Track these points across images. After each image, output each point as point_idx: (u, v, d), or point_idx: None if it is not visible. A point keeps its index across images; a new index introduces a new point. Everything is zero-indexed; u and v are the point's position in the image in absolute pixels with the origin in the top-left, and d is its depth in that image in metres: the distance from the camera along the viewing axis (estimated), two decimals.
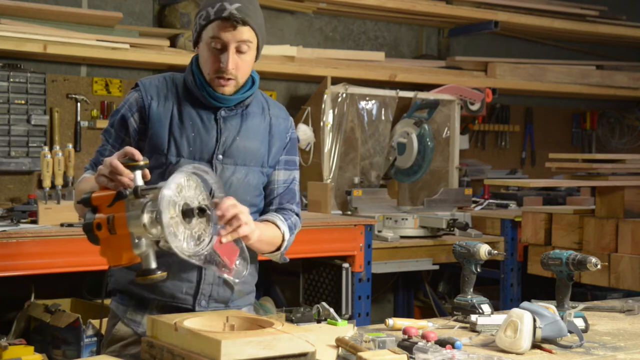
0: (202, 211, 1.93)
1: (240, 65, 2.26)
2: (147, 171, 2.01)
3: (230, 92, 2.30)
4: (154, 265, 1.94)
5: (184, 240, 1.92)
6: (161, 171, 2.28)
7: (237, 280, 2.23)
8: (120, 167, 1.97)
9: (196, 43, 2.31)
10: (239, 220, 2.08)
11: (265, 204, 2.46)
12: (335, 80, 5.26)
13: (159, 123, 2.29)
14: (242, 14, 2.21)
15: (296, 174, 2.50)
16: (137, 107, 2.31)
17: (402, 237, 4.90)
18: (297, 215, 2.49)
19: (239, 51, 2.24)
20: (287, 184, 2.47)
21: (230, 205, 2.08)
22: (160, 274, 1.95)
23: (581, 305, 2.65)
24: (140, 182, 1.96)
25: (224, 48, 2.23)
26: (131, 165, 1.96)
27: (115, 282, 2.39)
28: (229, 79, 2.26)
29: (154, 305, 2.32)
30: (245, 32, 2.23)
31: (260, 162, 2.38)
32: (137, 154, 1.99)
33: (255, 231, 2.15)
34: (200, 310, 2.31)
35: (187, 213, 1.92)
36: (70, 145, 4.17)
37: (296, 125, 5.15)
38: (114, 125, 2.33)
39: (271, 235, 2.36)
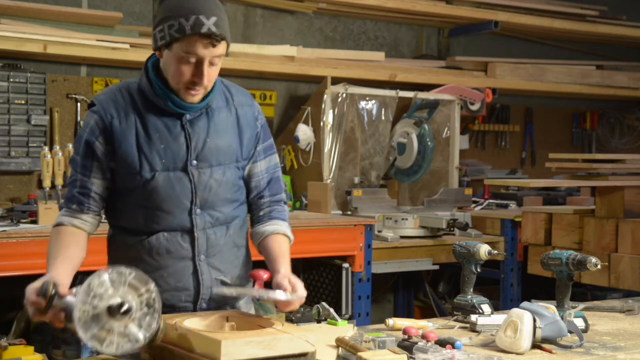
0: (126, 312, 1.83)
1: (212, 76, 2.22)
2: (60, 290, 1.92)
3: (198, 100, 2.26)
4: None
5: (138, 334, 1.86)
6: (139, 190, 2.25)
7: None
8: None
9: (159, 49, 2.21)
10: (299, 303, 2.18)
11: (256, 197, 2.44)
12: (335, 80, 5.26)
13: (125, 141, 2.23)
14: (220, 30, 2.15)
15: (275, 158, 2.48)
16: (99, 130, 2.23)
17: (402, 237, 4.90)
18: (286, 201, 2.50)
19: (211, 64, 2.20)
20: (271, 171, 2.45)
21: (303, 295, 2.18)
22: (160, 330, 1.92)
23: (581, 305, 2.65)
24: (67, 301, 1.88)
25: (199, 62, 2.17)
26: (46, 303, 1.86)
27: None
28: (199, 90, 2.22)
29: None
30: (221, 47, 2.19)
31: (234, 157, 2.34)
32: (37, 305, 1.89)
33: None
34: (204, 309, 2.31)
35: (114, 313, 1.82)
36: (70, 145, 4.17)
37: (296, 125, 5.19)
38: (79, 154, 2.26)
39: (288, 251, 2.38)
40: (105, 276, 1.82)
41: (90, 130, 2.24)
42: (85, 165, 2.25)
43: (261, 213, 2.43)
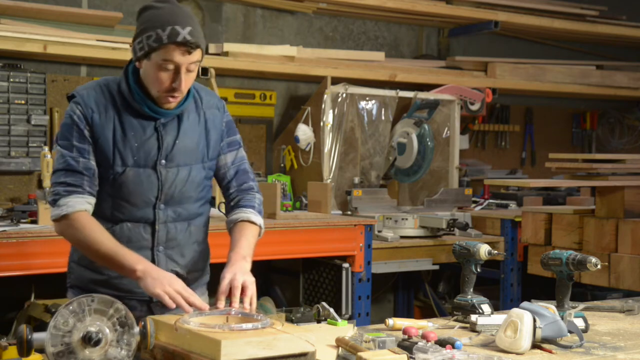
0: (97, 343, 1.82)
1: (189, 83, 2.36)
2: None
3: (175, 107, 2.40)
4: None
5: (120, 354, 1.86)
6: (109, 181, 2.38)
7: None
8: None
9: (139, 59, 2.34)
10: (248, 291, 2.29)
11: (223, 188, 2.60)
12: (335, 80, 5.26)
13: (103, 135, 2.36)
14: (195, 38, 2.29)
15: (242, 152, 2.61)
16: (85, 120, 2.36)
17: (402, 237, 4.90)
18: (257, 190, 2.62)
19: (188, 70, 2.32)
20: (237, 164, 2.59)
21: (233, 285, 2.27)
22: (149, 335, 1.90)
23: (581, 305, 2.65)
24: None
25: (177, 70, 2.30)
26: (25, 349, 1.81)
27: (75, 278, 2.50)
28: (177, 96, 2.36)
29: None
30: (197, 54, 2.32)
31: (200, 158, 2.49)
32: None
33: (253, 281, 2.33)
34: (156, 302, 2.37)
35: (87, 344, 1.82)
36: None
37: (296, 125, 5.19)
38: (74, 138, 2.35)
39: (253, 238, 2.50)
40: (66, 312, 1.83)
41: (79, 118, 2.37)
42: (84, 148, 2.36)
43: (231, 204, 2.59)
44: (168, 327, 2.03)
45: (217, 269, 2.50)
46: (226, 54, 5.10)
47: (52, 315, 1.88)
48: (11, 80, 4.50)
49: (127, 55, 4.68)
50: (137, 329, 1.87)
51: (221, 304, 2.24)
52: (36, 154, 4.50)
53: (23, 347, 1.80)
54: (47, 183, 3.99)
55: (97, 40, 4.62)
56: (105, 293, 2.29)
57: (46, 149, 4.13)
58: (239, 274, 2.30)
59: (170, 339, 2.02)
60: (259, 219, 2.55)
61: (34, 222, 3.95)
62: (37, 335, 1.81)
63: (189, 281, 2.45)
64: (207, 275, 2.64)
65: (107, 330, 1.84)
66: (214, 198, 4.26)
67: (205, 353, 1.89)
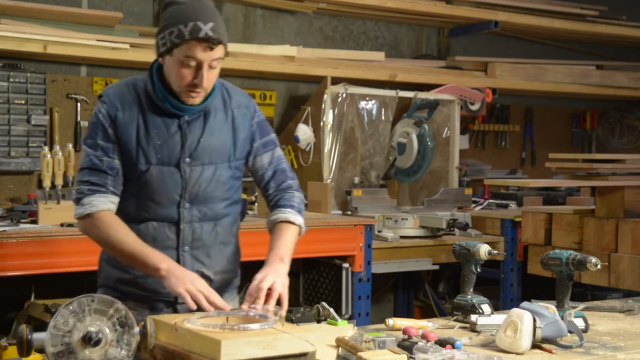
0: (97, 343, 1.82)
1: (211, 79, 2.34)
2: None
3: (199, 102, 2.38)
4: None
5: (120, 354, 1.86)
6: (134, 180, 2.38)
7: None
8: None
9: (162, 55, 2.33)
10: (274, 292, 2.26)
11: (262, 189, 2.58)
12: (335, 80, 5.26)
13: (126, 133, 2.36)
14: (217, 34, 2.27)
15: (278, 151, 2.59)
16: (110, 119, 2.36)
17: (402, 237, 4.90)
18: (297, 188, 2.59)
19: (210, 67, 2.31)
20: (275, 164, 2.56)
21: (258, 288, 2.24)
22: (149, 335, 1.90)
23: (581, 305, 2.64)
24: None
25: (199, 66, 2.29)
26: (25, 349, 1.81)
27: (104, 278, 2.49)
28: (200, 92, 2.34)
29: (138, 300, 2.39)
30: (219, 51, 2.30)
31: (227, 157, 2.46)
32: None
33: (285, 283, 2.31)
34: (182, 303, 2.34)
35: (87, 344, 1.82)
36: (70, 145, 4.17)
37: (296, 125, 5.19)
38: (98, 137, 2.36)
39: (293, 238, 2.48)
40: (66, 312, 1.83)
41: (104, 117, 2.38)
42: (108, 147, 2.37)
43: (271, 204, 2.56)
44: (168, 327, 2.03)
45: (247, 269, 2.50)
46: (226, 53, 5.10)
47: (52, 315, 1.88)
48: (11, 80, 4.50)
49: (127, 55, 4.72)
50: (137, 329, 1.87)
51: (246, 305, 2.23)
52: (36, 154, 4.50)
53: (23, 347, 1.80)
54: (47, 183, 3.99)
55: (97, 40, 4.63)
56: (131, 292, 2.36)
57: (46, 149, 4.12)
58: (271, 275, 2.28)
59: (170, 339, 2.02)
60: (298, 219, 2.51)
61: (34, 222, 3.94)
62: (37, 335, 1.81)
63: (218, 285, 2.44)
64: (237, 278, 2.60)
65: (107, 330, 1.84)
66: None
67: (205, 353, 1.89)
